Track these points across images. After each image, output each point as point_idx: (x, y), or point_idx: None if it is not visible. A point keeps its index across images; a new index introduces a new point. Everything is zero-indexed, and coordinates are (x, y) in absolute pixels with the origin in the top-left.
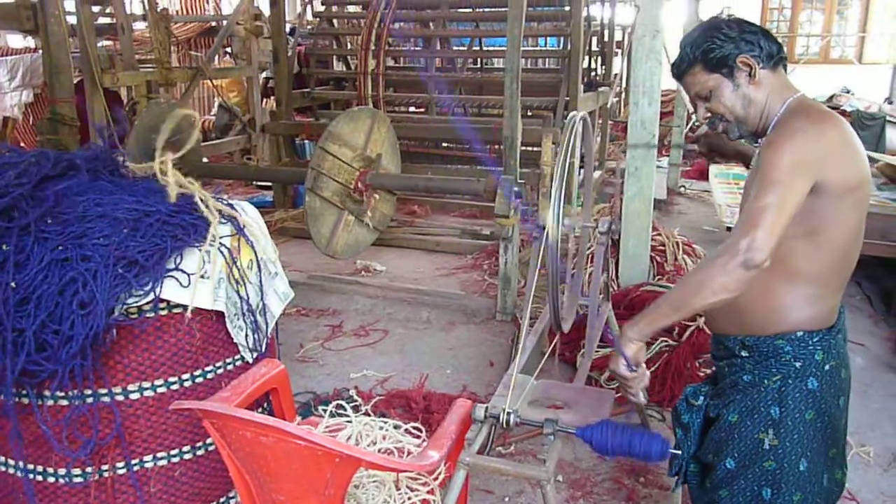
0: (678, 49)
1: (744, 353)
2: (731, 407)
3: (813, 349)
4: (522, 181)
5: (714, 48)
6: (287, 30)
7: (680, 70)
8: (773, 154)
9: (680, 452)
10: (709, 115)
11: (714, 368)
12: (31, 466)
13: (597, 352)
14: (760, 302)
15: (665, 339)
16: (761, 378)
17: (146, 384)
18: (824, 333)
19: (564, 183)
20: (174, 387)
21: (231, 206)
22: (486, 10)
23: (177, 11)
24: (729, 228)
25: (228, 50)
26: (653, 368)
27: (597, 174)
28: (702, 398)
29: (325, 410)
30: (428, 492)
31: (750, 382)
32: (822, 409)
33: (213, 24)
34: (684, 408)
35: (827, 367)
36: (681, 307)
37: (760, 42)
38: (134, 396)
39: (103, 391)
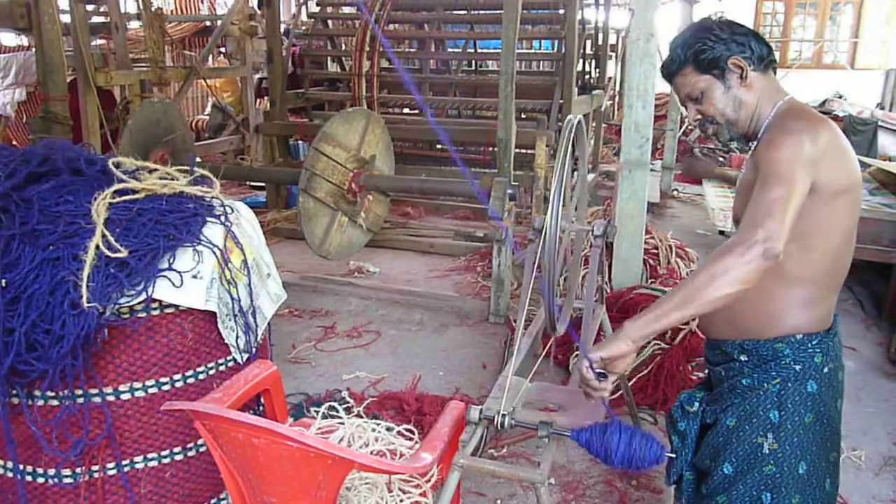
0: (668, 50)
1: (742, 357)
2: (728, 411)
3: (812, 352)
4: (516, 183)
5: (705, 49)
6: (282, 30)
7: (670, 71)
8: (774, 151)
9: (675, 456)
10: (699, 117)
11: (706, 373)
12: (20, 467)
13: None
14: (757, 306)
15: (657, 342)
16: (760, 382)
17: (137, 385)
18: (822, 336)
19: (563, 185)
20: (165, 387)
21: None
22: (481, 12)
23: (171, 11)
24: (722, 232)
25: (223, 50)
26: (645, 371)
27: (590, 177)
28: (697, 404)
29: (317, 412)
30: (420, 494)
31: (749, 386)
32: (821, 412)
33: (208, 23)
34: (680, 415)
35: (826, 369)
36: (689, 302)
37: (751, 44)
38: (125, 397)
39: (94, 391)
